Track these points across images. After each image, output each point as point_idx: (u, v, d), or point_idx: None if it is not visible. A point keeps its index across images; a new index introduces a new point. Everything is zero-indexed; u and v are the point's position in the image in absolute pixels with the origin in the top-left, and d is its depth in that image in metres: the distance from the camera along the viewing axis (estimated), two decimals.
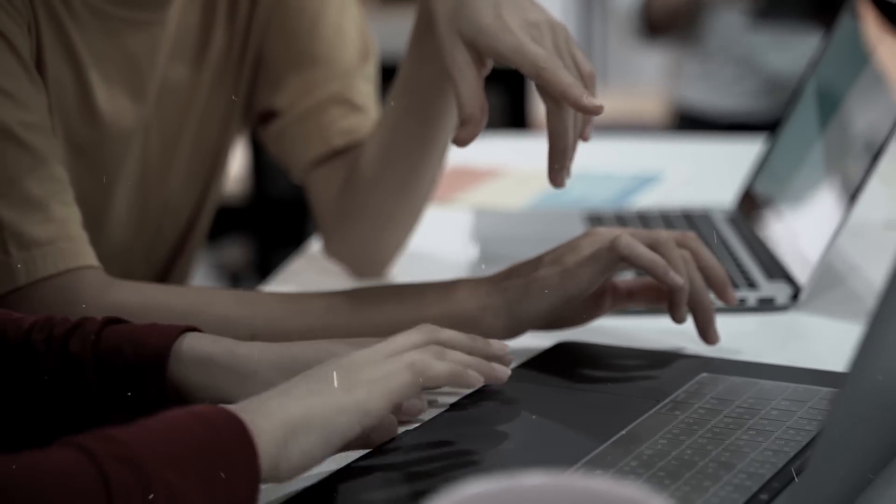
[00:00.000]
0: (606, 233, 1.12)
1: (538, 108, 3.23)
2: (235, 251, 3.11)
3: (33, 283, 1.12)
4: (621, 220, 1.51)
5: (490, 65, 1.13)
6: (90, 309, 1.11)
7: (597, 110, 1.07)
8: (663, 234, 1.11)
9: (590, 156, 1.93)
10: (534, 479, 0.64)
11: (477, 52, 1.10)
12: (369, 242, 1.36)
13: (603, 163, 1.86)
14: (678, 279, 1.08)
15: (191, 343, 0.98)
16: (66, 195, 1.15)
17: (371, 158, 1.31)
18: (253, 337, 1.07)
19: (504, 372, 0.96)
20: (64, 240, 1.13)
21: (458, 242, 1.50)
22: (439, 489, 0.65)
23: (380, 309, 1.13)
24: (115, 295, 1.13)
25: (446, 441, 0.95)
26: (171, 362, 0.97)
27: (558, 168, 1.10)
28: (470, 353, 0.97)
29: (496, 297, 1.12)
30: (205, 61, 1.32)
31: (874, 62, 1.31)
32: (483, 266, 1.38)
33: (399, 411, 0.97)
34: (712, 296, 1.13)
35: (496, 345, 1.00)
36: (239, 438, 0.82)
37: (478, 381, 0.92)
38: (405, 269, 1.38)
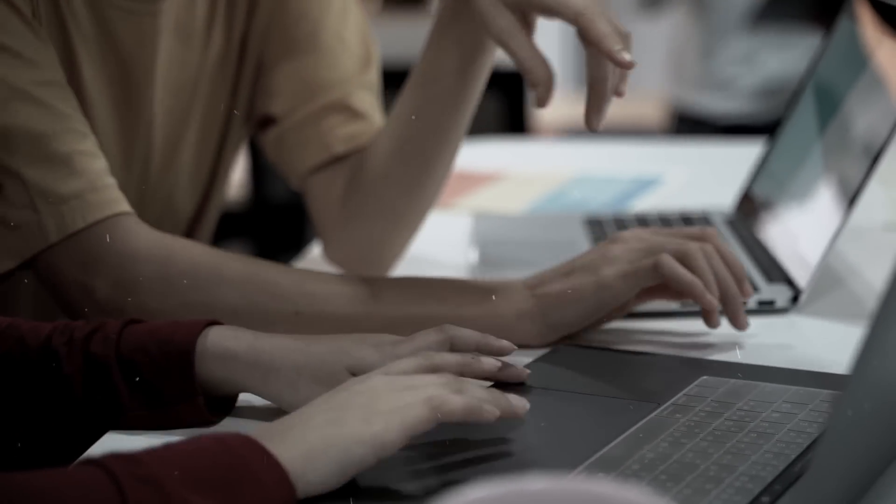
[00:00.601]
0: (637, 241, 1.14)
1: (537, 112, 3.23)
2: None
3: (66, 239, 1.12)
4: (620, 223, 1.51)
5: (535, 24, 1.15)
6: (133, 262, 1.12)
7: (628, 65, 1.12)
8: (692, 248, 1.12)
9: (589, 159, 1.94)
10: (536, 483, 0.64)
11: (521, 12, 1.12)
12: (373, 245, 1.35)
13: (602, 166, 1.86)
14: (714, 302, 1.12)
15: (213, 339, 0.99)
16: (88, 145, 1.15)
17: (382, 155, 1.31)
18: (296, 314, 1.10)
19: (522, 405, 0.95)
20: (90, 191, 1.13)
21: (458, 246, 1.50)
22: (441, 493, 0.65)
23: (421, 303, 1.14)
24: (160, 248, 1.14)
25: (447, 445, 0.95)
26: (196, 359, 0.98)
27: (595, 112, 1.14)
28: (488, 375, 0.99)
29: (532, 304, 1.13)
30: (205, 64, 1.32)
31: (873, 64, 1.31)
32: (482, 270, 1.38)
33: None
34: None
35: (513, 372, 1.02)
36: (266, 463, 0.84)
37: (493, 417, 0.91)
38: (403, 273, 1.38)
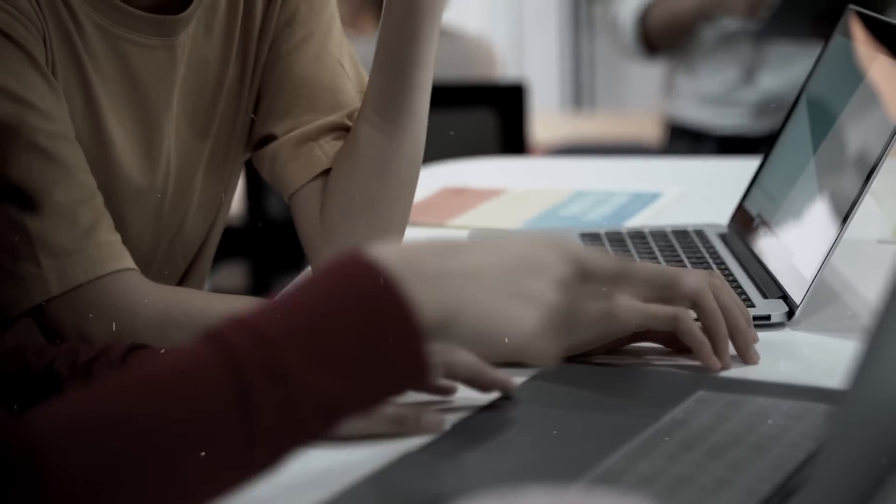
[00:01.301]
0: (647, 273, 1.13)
1: (534, 131, 3.24)
2: (231, 274, 3.11)
3: (68, 292, 1.14)
4: (616, 238, 1.51)
5: None
6: (132, 315, 1.13)
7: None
8: (704, 289, 1.12)
9: (586, 176, 1.94)
10: (536, 498, 0.64)
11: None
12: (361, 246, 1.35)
13: (599, 183, 1.87)
14: (717, 365, 1.12)
15: None
16: (94, 201, 1.17)
17: (349, 141, 1.33)
18: None
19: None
20: (94, 246, 1.14)
21: None
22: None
23: None
24: (158, 300, 1.15)
25: (446, 460, 0.95)
26: None
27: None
28: None
29: None
30: (220, 95, 1.33)
31: (867, 80, 1.32)
32: None
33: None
34: None
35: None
36: (402, 329, 0.77)
37: None
38: None
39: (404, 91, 1.30)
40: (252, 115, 1.37)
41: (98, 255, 1.15)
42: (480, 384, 1.01)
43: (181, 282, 1.40)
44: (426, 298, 0.78)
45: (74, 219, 1.15)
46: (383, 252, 0.79)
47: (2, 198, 1.14)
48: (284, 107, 1.36)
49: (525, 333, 0.82)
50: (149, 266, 1.32)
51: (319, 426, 0.76)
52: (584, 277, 0.86)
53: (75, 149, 1.17)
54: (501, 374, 1.01)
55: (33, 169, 1.14)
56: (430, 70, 1.31)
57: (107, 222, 1.17)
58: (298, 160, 1.35)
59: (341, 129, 1.36)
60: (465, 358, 1.02)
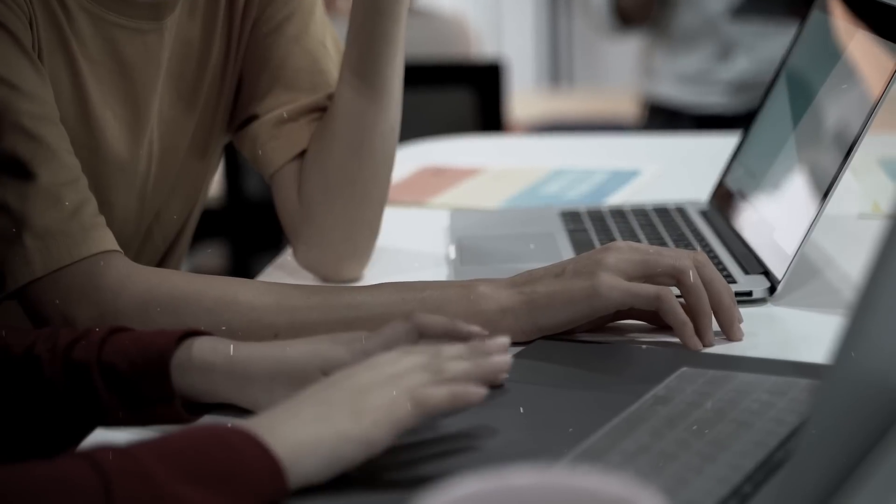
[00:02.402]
0: (631, 251, 1.14)
1: (512, 109, 3.24)
2: (210, 255, 3.10)
3: (52, 273, 1.14)
4: (596, 216, 1.51)
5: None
6: (115, 296, 1.13)
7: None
8: (687, 266, 1.13)
9: (564, 154, 1.94)
10: (521, 477, 0.64)
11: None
12: (340, 230, 1.35)
13: (578, 161, 1.87)
14: (698, 346, 1.12)
15: (192, 351, 1.01)
16: (79, 183, 1.17)
17: (325, 119, 1.34)
18: (275, 334, 1.12)
19: (504, 363, 0.97)
20: (78, 228, 1.15)
21: (435, 243, 1.50)
22: (425, 487, 0.65)
23: (403, 305, 1.14)
24: (140, 282, 1.15)
25: (429, 440, 0.95)
26: (174, 370, 1.01)
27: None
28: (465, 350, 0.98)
29: (517, 301, 1.13)
30: (204, 76, 1.33)
31: (845, 56, 1.32)
32: (462, 266, 1.39)
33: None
34: None
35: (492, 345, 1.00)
36: (261, 455, 0.84)
37: (480, 398, 0.92)
38: (383, 272, 1.38)
39: (375, 66, 1.31)
40: (234, 96, 1.37)
41: (82, 237, 1.15)
42: (456, 337, 1.02)
43: (160, 263, 1.40)
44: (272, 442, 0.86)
45: (59, 200, 1.14)
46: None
47: None
48: (265, 87, 1.36)
49: (363, 429, 0.88)
50: (130, 247, 1.31)
51: None
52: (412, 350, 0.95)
53: (60, 131, 1.17)
54: (474, 325, 1.02)
55: (18, 151, 1.14)
56: (401, 45, 1.32)
57: (91, 204, 1.17)
58: (278, 140, 1.35)
59: (322, 110, 1.36)
60: (433, 318, 1.03)
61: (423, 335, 1.02)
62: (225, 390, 1.01)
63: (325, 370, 1.00)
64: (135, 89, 1.27)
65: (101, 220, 1.17)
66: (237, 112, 1.38)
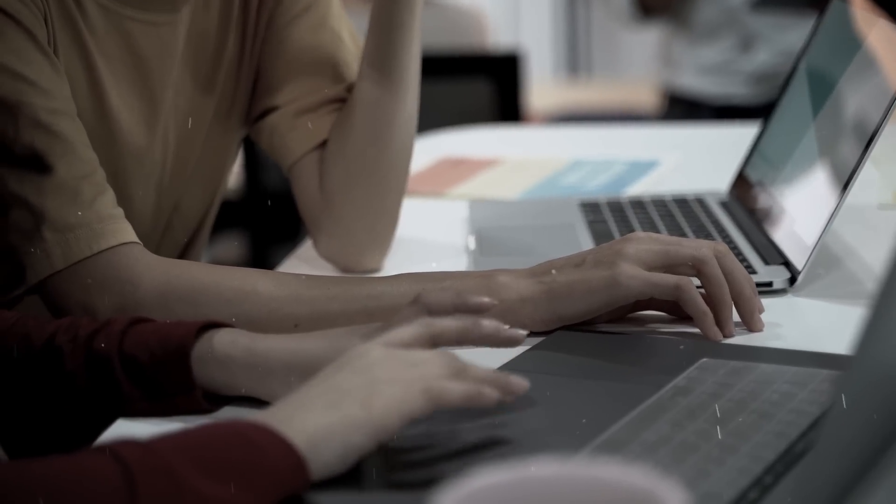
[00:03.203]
0: (650, 242, 1.13)
1: (531, 99, 3.23)
2: (229, 247, 3.11)
3: (72, 266, 1.14)
4: (616, 207, 1.51)
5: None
6: (135, 287, 1.14)
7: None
8: (707, 255, 1.12)
9: (583, 144, 1.94)
10: (541, 469, 0.64)
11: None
12: (360, 219, 1.36)
13: (596, 151, 1.86)
14: (719, 336, 1.12)
15: (212, 343, 1.01)
16: (96, 176, 1.18)
17: (344, 109, 1.34)
18: (295, 325, 1.12)
19: (521, 384, 0.94)
20: (97, 221, 1.15)
21: (454, 234, 1.50)
22: (445, 480, 0.65)
23: None
24: (160, 273, 1.15)
25: (449, 432, 0.95)
26: (194, 362, 1.01)
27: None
28: (471, 337, 0.97)
29: (537, 290, 1.13)
30: (220, 67, 1.33)
31: (865, 45, 1.31)
32: (480, 257, 1.39)
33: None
34: None
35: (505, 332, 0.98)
36: (282, 449, 0.84)
37: (492, 401, 0.91)
38: (402, 263, 1.38)
39: (391, 54, 1.31)
40: (252, 89, 1.38)
41: (101, 229, 1.15)
42: (474, 341, 1.01)
43: (180, 255, 1.41)
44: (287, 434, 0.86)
45: (77, 194, 1.15)
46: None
47: (4, 174, 1.14)
48: (283, 78, 1.36)
49: (373, 418, 0.87)
50: (150, 240, 1.32)
51: None
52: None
53: (77, 125, 1.18)
54: (493, 325, 1.01)
55: (35, 145, 1.14)
56: (416, 34, 1.32)
57: (109, 196, 1.18)
58: (297, 131, 1.36)
59: (341, 101, 1.36)
60: (440, 294, 1.02)
61: (432, 313, 1.02)
62: (244, 382, 1.02)
63: None
64: (149, 81, 1.27)
65: (120, 212, 1.18)
66: (255, 103, 1.38)
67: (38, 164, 1.14)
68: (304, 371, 0.99)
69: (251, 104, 1.38)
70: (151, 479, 0.79)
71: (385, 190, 1.36)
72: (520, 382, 0.94)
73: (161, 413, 1.01)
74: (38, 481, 0.79)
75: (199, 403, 1.01)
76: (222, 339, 1.02)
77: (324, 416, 0.87)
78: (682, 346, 1.11)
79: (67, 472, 0.80)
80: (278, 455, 0.84)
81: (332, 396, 0.88)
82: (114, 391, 1.01)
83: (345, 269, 1.37)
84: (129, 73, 1.25)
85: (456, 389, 0.90)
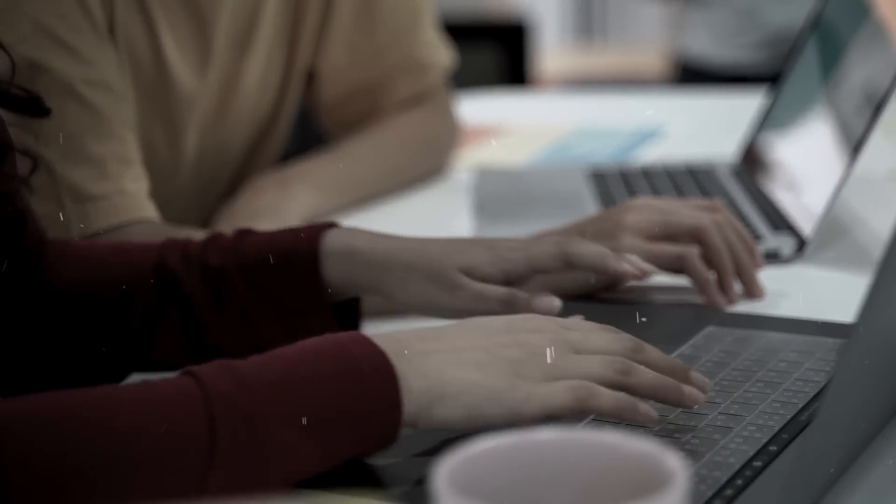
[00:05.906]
0: (650, 211, 1.12)
1: (538, 64, 3.22)
2: None
3: (88, 237, 1.15)
4: (624, 176, 1.50)
5: None
6: None
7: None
8: (707, 224, 1.11)
9: (590, 111, 1.93)
10: (545, 435, 0.64)
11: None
12: None
13: (604, 118, 1.86)
14: (722, 302, 1.11)
15: (334, 239, 0.99)
16: (126, 153, 1.18)
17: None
18: None
19: (696, 396, 0.86)
20: (118, 195, 1.16)
21: (460, 201, 1.50)
22: (450, 446, 0.65)
23: None
24: None
25: None
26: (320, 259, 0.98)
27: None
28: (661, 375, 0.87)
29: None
30: (259, 20, 1.34)
31: (875, 13, 1.30)
32: (486, 224, 1.38)
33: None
34: None
35: (696, 379, 0.88)
36: (389, 403, 0.79)
37: (648, 420, 0.84)
38: (407, 230, 1.37)
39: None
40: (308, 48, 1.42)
41: (121, 204, 1.16)
42: (602, 272, 1.01)
43: (221, 201, 1.41)
44: (413, 383, 0.80)
45: (103, 167, 1.16)
46: (374, 337, 0.82)
47: (33, 138, 1.13)
48: (343, 43, 1.42)
49: (516, 399, 0.82)
50: (209, 191, 1.35)
51: (278, 475, 0.77)
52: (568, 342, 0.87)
53: (113, 98, 1.18)
54: (627, 264, 1.00)
55: (67, 114, 1.15)
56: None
57: (134, 170, 1.19)
58: (347, 108, 1.45)
59: (408, 68, 1.45)
60: (585, 246, 1.01)
61: (568, 264, 1.00)
62: (364, 277, 0.99)
63: (465, 269, 0.99)
64: (203, 26, 1.28)
65: (143, 186, 1.18)
66: (315, 65, 1.42)
67: (67, 132, 1.15)
68: (422, 272, 0.98)
69: (313, 63, 1.42)
70: (232, 422, 0.75)
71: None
72: (695, 393, 0.86)
73: (289, 335, 0.89)
74: (116, 405, 0.76)
75: (330, 323, 0.98)
76: (343, 234, 1.00)
77: (465, 373, 0.82)
78: (687, 315, 1.10)
79: (148, 398, 0.77)
80: (382, 408, 0.79)
81: (483, 357, 0.83)
82: (237, 312, 0.99)
83: None
84: (186, 27, 1.27)
85: (609, 400, 0.83)
